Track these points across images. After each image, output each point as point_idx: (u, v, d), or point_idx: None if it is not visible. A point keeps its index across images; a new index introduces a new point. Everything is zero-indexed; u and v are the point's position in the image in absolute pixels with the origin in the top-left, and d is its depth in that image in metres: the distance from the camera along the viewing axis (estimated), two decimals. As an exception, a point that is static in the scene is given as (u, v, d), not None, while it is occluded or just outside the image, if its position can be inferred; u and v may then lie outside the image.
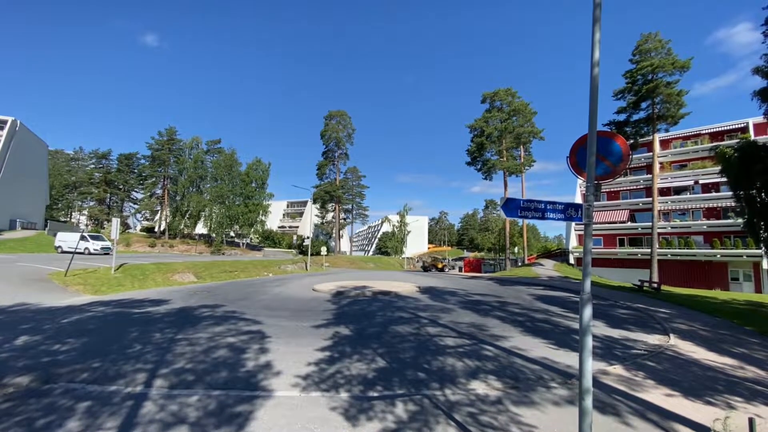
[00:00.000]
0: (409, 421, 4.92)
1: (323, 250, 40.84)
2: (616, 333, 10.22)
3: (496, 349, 8.44)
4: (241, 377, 6.50)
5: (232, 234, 55.85)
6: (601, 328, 10.67)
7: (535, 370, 7.11)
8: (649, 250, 29.82)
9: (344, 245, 79.70)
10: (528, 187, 63.65)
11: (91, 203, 69.88)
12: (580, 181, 43.77)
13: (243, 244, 57.07)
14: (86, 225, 65.11)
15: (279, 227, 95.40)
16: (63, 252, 31.20)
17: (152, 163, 57.71)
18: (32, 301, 12.83)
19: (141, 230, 64.12)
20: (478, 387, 6.19)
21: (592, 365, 3.53)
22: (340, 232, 66.00)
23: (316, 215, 64.37)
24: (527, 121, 42.06)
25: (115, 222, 20.73)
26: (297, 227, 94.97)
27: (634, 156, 38.63)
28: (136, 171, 66.29)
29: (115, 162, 68.95)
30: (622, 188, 42.56)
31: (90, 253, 30.04)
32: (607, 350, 8.49)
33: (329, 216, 64.26)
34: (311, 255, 37.06)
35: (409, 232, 70.47)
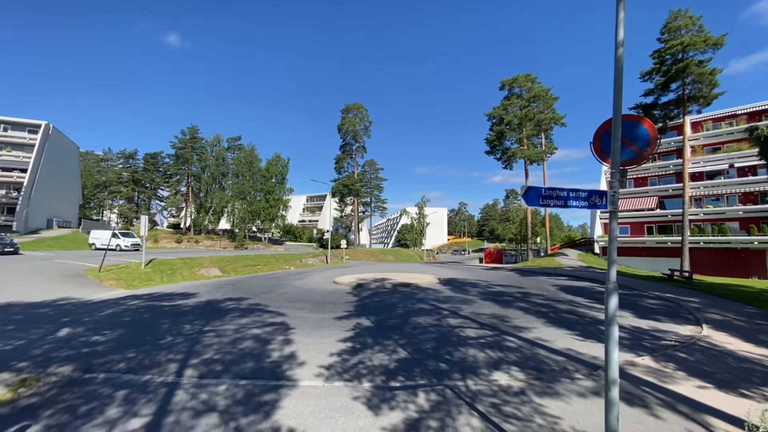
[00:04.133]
0: (431, 410, 4.96)
1: (343, 243, 41.23)
2: (645, 323, 9.92)
3: (518, 340, 8.35)
4: (266, 367, 6.69)
5: (254, 229, 57.07)
6: (629, 319, 10.38)
7: (560, 361, 7.00)
8: (679, 238, 28.68)
9: (363, 238, 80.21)
10: (550, 175, 62.20)
11: (121, 202, 72.82)
12: (605, 168, 42.37)
13: (265, 238, 58.27)
14: (117, 223, 67.98)
15: (299, 221, 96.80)
16: (96, 249, 32.70)
17: (176, 161, 59.45)
18: (71, 295, 13.55)
19: (168, 227, 66.40)
20: (501, 378, 6.16)
21: (618, 356, 3.45)
22: (359, 225, 66.36)
23: (335, 209, 64.91)
24: (548, 107, 40.82)
25: (144, 219, 21.55)
26: (317, 221, 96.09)
27: (662, 140, 37.02)
28: (161, 169, 68.50)
29: (142, 161, 71.42)
30: (650, 174, 40.89)
31: (121, 250, 31.37)
32: (635, 341, 8.26)
33: (348, 209, 64.68)
34: (331, 248, 37.49)
35: (428, 224, 70.12)
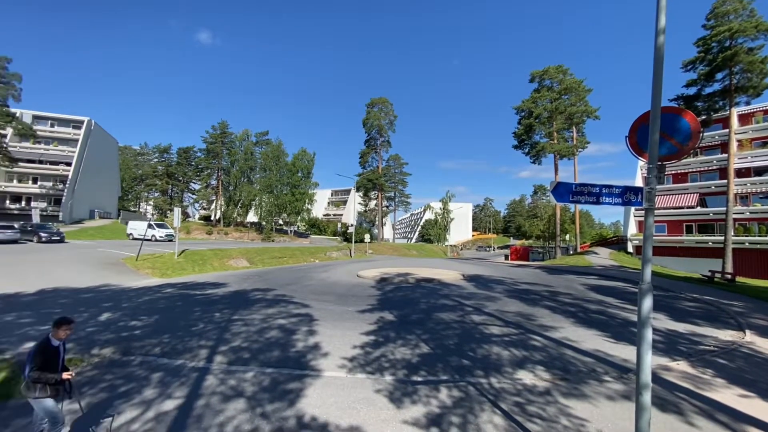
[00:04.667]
0: (454, 406, 4.94)
1: (366, 237, 41.50)
2: (681, 327, 9.45)
3: (544, 339, 8.16)
4: (291, 357, 6.86)
5: (280, 222, 58.33)
6: (664, 321, 9.92)
7: (588, 362, 6.80)
8: (722, 238, 26.96)
9: (387, 233, 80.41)
10: (581, 171, 59.72)
11: (156, 194, 76.24)
12: (642, 163, 40.43)
13: (291, 231, 59.50)
14: (152, 214, 71.25)
15: (324, 215, 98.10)
16: (134, 239, 34.42)
17: (207, 155, 61.49)
18: (111, 282, 14.36)
19: (199, 218, 68.96)
20: (525, 377, 6.05)
21: (652, 359, 3.31)
22: (383, 219, 66.52)
23: (360, 203, 65.33)
24: (580, 100, 39.19)
25: (177, 211, 22.48)
26: (341, 215, 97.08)
27: (705, 134, 34.80)
28: (193, 163, 71.08)
29: (175, 155, 74.36)
30: (690, 170, 38.59)
31: (156, 240, 32.85)
32: (670, 345, 7.89)
33: (372, 204, 64.94)
34: (355, 242, 37.83)
35: (452, 219, 69.36)
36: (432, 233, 77.61)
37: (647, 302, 3.26)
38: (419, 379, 5.93)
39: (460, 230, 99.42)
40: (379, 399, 5.17)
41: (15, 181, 45.58)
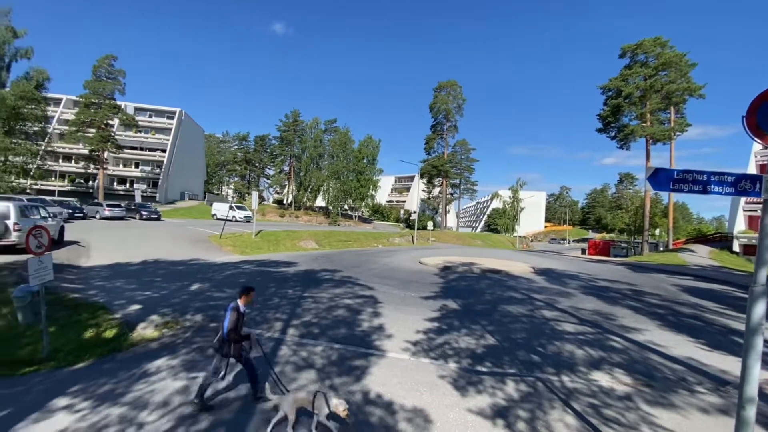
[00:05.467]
0: (521, 401, 4.77)
1: (429, 224, 41.22)
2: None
3: (625, 341, 7.45)
4: (357, 335, 7.14)
5: (345, 207, 60.45)
6: (779, 333, 8.46)
7: (677, 370, 6.08)
8: None
9: (450, 221, 79.04)
10: (679, 158, 51.82)
11: (235, 179, 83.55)
12: (757, 148, 34.48)
13: (355, 216, 61.42)
14: (232, 197, 78.27)
15: (387, 201, 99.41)
16: (217, 219, 38.13)
17: (281, 143, 65.57)
18: (200, 257, 16.14)
19: (273, 202, 74.24)
20: (602, 378, 5.60)
21: (759, 372, 2.85)
22: (447, 207, 65.45)
23: (423, 190, 64.87)
24: (682, 76, 33.96)
25: (255, 195, 24.39)
26: (404, 202, 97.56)
27: None
28: (268, 150, 76.35)
29: (252, 143, 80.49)
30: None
31: (236, 221, 36.09)
32: (787, 361, 6.72)
33: (436, 191, 64.12)
34: (417, 229, 37.82)
35: (522, 208, 65.69)
36: (499, 223, 74.55)
37: (760, 307, 2.81)
38: (484, 369, 5.80)
39: (531, 221, 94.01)
40: (443, 384, 5.17)
41: (121, 165, 52.95)
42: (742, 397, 2.81)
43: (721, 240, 39.47)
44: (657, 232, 48.88)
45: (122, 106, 45.71)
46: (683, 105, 35.76)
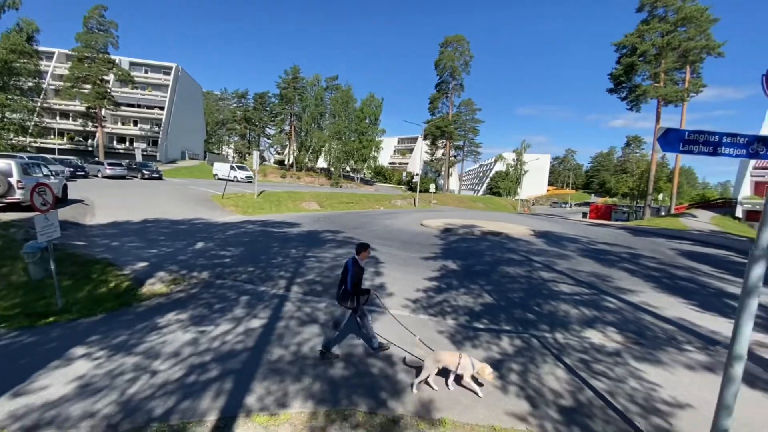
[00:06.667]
0: (515, 355, 5.00)
1: (431, 187, 41.08)
2: (794, 304, 8.19)
3: (619, 302, 7.67)
4: (359, 294, 7.36)
5: (347, 168, 59.96)
6: (771, 297, 8.66)
7: (667, 329, 6.31)
8: None
9: (453, 184, 78.61)
10: (691, 120, 50.57)
11: (235, 138, 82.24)
12: (773, 111, 33.36)
13: (357, 178, 61.06)
14: (233, 157, 77.52)
15: (389, 163, 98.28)
16: (219, 179, 38.05)
17: (281, 101, 63.75)
18: (202, 216, 16.29)
19: (274, 162, 73.58)
20: (594, 336, 5.83)
21: (750, 333, 2.95)
22: (450, 170, 64.81)
23: (426, 152, 63.90)
24: (701, 32, 32.10)
25: (256, 155, 24.17)
26: (406, 164, 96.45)
27: None
28: (268, 109, 74.47)
29: (252, 101, 78.36)
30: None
31: (237, 181, 35.96)
32: (775, 322, 6.93)
33: (439, 153, 63.16)
34: (419, 192, 37.74)
35: (526, 171, 64.98)
36: (502, 186, 74.13)
37: (758, 269, 2.85)
38: (481, 326, 6.03)
39: (534, 184, 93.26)
40: (441, 339, 5.40)
41: (119, 123, 51.96)
42: (732, 354, 2.92)
43: (725, 206, 39.31)
44: (660, 197, 48.66)
45: (117, 61, 44.05)
46: (700, 64, 34.21)
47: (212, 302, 6.48)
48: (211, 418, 3.47)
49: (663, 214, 39.70)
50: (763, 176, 33.69)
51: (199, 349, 4.75)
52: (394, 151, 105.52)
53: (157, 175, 31.55)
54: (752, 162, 33.09)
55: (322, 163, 61.63)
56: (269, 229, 14.49)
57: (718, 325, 6.51)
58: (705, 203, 46.79)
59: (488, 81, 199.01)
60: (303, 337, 5.22)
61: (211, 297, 6.74)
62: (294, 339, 5.16)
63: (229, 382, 4.05)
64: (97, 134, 44.64)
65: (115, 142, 51.36)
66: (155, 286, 7.18)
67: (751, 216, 33.04)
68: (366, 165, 57.19)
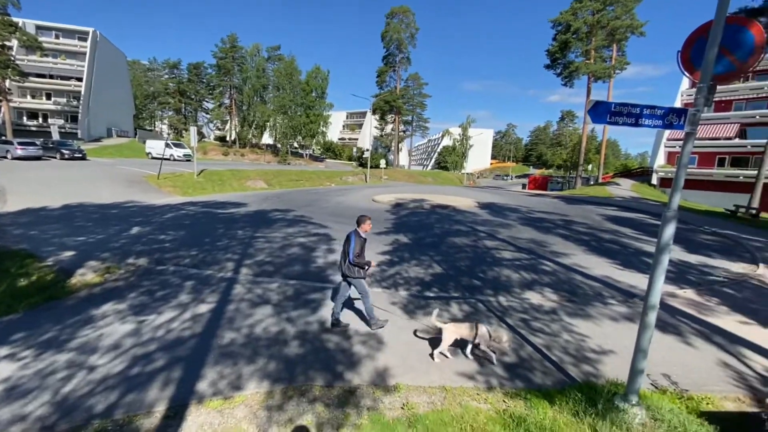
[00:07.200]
0: (463, 319, 5.31)
1: (382, 163, 41.12)
2: (694, 258, 9.52)
3: (554, 264, 8.40)
4: (312, 271, 7.32)
5: (295, 145, 57.86)
6: (677, 253, 9.95)
7: (595, 287, 7.05)
8: (754, 172, 25.71)
9: (403, 159, 79.26)
10: (617, 96, 54.92)
11: (170, 113, 75.29)
12: (683, 88, 37.17)
13: (306, 154, 59.28)
14: (168, 134, 71.22)
15: (339, 139, 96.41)
16: (153, 158, 34.94)
17: (218, 72, 59.06)
18: (136, 199, 14.98)
19: (214, 139, 68.83)
20: (533, 297, 6.36)
21: (662, 285, 3.40)
22: (399, 145, 65.06)
23: (376, 127, 63.40)
24: (627, 12, 34.61)
25: (193, 131, 22.42)
26: (356, 139, 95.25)
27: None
28: (204, 80, 68.70)
29: (186, 72, 71.64)
30: (736, 97, 35.34)
31: (174, 160, 33.29)
32: (679, 274, 8.03)
33: (388, 128, 62.93)
34: (370, 167, 37.64)
35: (471, 146, 67.17)
36: (449, 160, 76.10)
37: (669, 229, 3.24)
38: (431, 294, 6.31)
39: (479, 158, 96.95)
40: (395, 310, 5.58)
41: (29, 96, 45.24)
42: (647, 304, 3.33)
43: (643, 174, 43.89)
44: (590, 167, 52.97)
45: (20, 24, 37.67)
46: (625, 43, 37.01)
47: (153, 289, 6.09)
48: (160, 409, 3.34)
49: (592, 183, 43.43)
50: (675, 147, 37.74)
51: (141, 339, 4.48)
52: (344, 126, 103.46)
53: (79, 155, 28.19)
54: (666, 133, 37.05)
55: (267, 139, 58.86)
56: (213, 210, 13.72)
57: (636, 280, 7.40)
58: (627, 172, 51.86)
59: (435, 55, 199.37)
60: (255, 319, 5.12)
61: (151, 284, 6.32)
62: (246, 321, 5.05)
63: (178, 371, 3.90)
64: (2, 109, 38.44)
65: (25, 118, 44.70)
66: (86, 276, 6.56)
67: (665, 183, 37.27)
68: (315, 141, 55.52)
